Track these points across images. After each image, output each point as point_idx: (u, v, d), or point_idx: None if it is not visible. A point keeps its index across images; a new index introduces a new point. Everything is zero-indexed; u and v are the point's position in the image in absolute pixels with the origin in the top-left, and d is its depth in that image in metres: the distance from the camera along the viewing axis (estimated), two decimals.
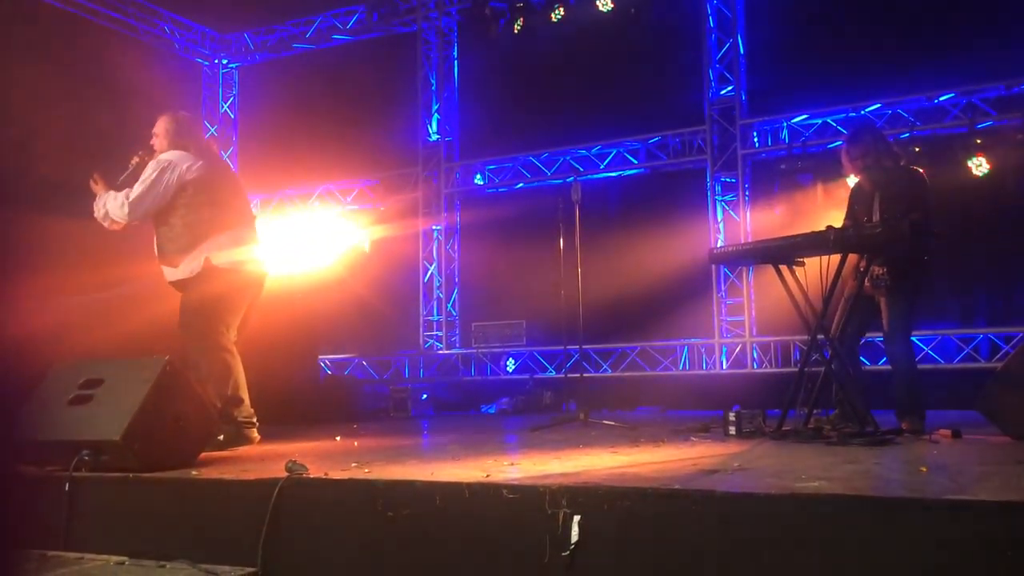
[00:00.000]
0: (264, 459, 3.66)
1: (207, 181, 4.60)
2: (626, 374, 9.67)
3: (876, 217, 4.62)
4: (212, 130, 12.76)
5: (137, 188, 4.52)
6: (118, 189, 4.62)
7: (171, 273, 4.60)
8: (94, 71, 9.74)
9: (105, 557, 2.78)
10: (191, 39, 12.37)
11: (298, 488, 2.69)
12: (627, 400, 8.82)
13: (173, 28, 12.00)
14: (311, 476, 2.76)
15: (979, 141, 7.84)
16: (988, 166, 7.76)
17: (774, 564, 2.01)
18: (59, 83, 7.87)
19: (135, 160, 4.68)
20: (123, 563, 2.73)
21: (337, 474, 2.83)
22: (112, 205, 4.57)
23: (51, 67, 7.64)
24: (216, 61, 12.79)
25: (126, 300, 6.58)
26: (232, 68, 12.91)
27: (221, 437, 4.20)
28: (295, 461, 2.84)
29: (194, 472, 3.13)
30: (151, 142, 4.75)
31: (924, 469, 2.71)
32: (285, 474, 2.74)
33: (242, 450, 4.25)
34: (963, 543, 1.85)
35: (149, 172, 4.53)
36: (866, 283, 4.58)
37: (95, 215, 4.71)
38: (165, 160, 4.55)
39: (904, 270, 4.50)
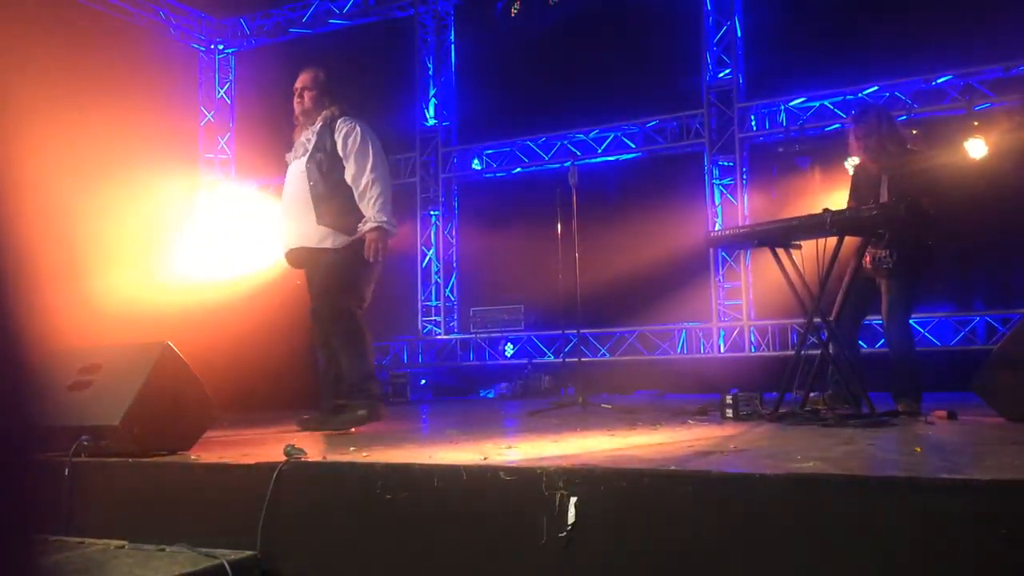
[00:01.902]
0: (263, 443, 3.67)
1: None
2: (624, 358, 9.70)
3: (884, 199, 4.61)
4: (209, 116, 12.73)
5: (364, 163, 4.31)
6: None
7: (334, 238, 4.32)
8: (89, 55, 9.70)
9: (105, 541, 2.80)
10: (187, 24, 12.32)
11: (297, 472, 2.71)
12: (625, 384, 8.85)
13: (169, 13, 11.95)
14: (309, 460, 2.77)
15: (977, 123, 7.83)
16: (986, 148, 7.75)
17: (770, 544, 2.02)
18: (51, 67, 7.84)
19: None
20: (123, 547, 2.74)
21: (335, 458, 2.84)
22: (375, 207, 4.29)
23: (43, 50, 7.60)
24: (212, 46, 12.74)
25: (127, 288, 6.60)
26: (228, 53, 12.86)
27: (363, 412, 4.17)
28: (294, 445, 2.85)
29: (193, 456, 3.15)
30: (299, 100, 4.52)
31: (919, 450, 2.73)
32: (284, 458, 2.75)
33: (241, 434, 4.27)
34: (957, 522, 1.87)
35: (359, 142, 4.34)
36: (868, 265, 4.59)
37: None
38: (363, 127, 4.40)
39: (908, 254, 4.51)
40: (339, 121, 4.44)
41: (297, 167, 4.49)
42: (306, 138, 4.51)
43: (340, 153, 4.37)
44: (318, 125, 4.48)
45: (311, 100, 4.50)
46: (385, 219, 4.30)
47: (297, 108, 4.55)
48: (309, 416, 4.47)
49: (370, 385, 4.31)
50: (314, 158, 4.40)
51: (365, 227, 4.30)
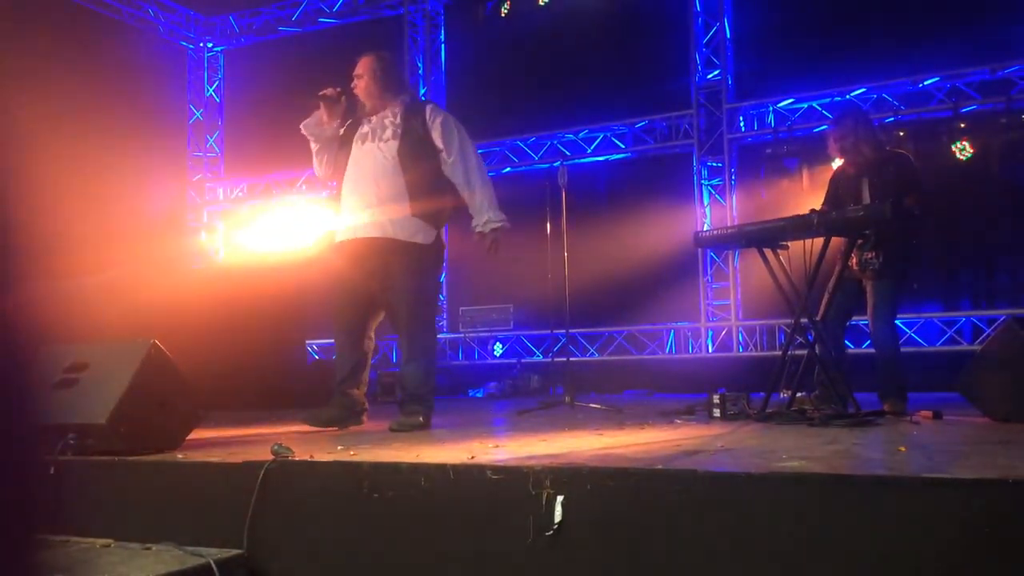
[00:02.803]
0: (250, 442, 3.66)
1: None
2: (613, 358, 9.71)
3: (865, 201, 4.65)
4: (198, 114, 12.69)
5: (470, 157, 4.21)
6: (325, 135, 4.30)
7: (415, 231, 4.16)
8: (76, 53, 9.66)
9: (91, 540, 2.79)
10: (176, 21, 12.27)
11: (284, 471, 2.71)
12: (614, 384, 8.87)
13: (157, 11, 11.90)
14: (297, 459, 2.77)
15: (963, 125, 7.88)
16: (972, 150, 7.81)
17: (755, 542, 2.04)
18: (40, 66, 7.80)
19: (339, 93, 4.29)
20: (109, 546, 2.74)
21: (323, 457, 2.84)
22: (492, 206, 4.24)
23: (29, 49, 7.57)
24: (201, 44, 12.70)
25: (116, 284, 6.57)
26: (217, 51, 12.82)
27: (422, 419, 4.05)
28: (281, 444, 2.85)
29: (180, 455, 3.14)
30: (364, 81, 4.30)
31: (903, 449, 2.75)
32: (271, 457, 2.75)
33: (228, 433, 4.26)
34: (940, 520, 1.88)
35: (461, 136, 4.24)
36: (854, 266, 4.62)
37: (327, 126, 4.32)
38: (455, 119, 4.28)
39: (893, 254, 4.54)
40: (429, 108, 4.28)
41: (380, 150, 4.21)
42: (388, 120, 4.26)
43: (438, 143, 4.21)
44: (399, 109, 4.27)
45: (381, 82, 4.28)
46: (505, 217, 4.28)
47: (362, 91, 4.31)
48: (315, 411, 4.30)
49: (432, 398, 4.23)
50: (406, 143, 4.18)
51: (486, 226, 4.24)
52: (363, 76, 4.30)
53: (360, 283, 4.24)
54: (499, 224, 4.26)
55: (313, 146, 4.46)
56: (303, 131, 4.41)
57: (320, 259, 4.72)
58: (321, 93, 4.31)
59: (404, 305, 4.16)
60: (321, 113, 4.37)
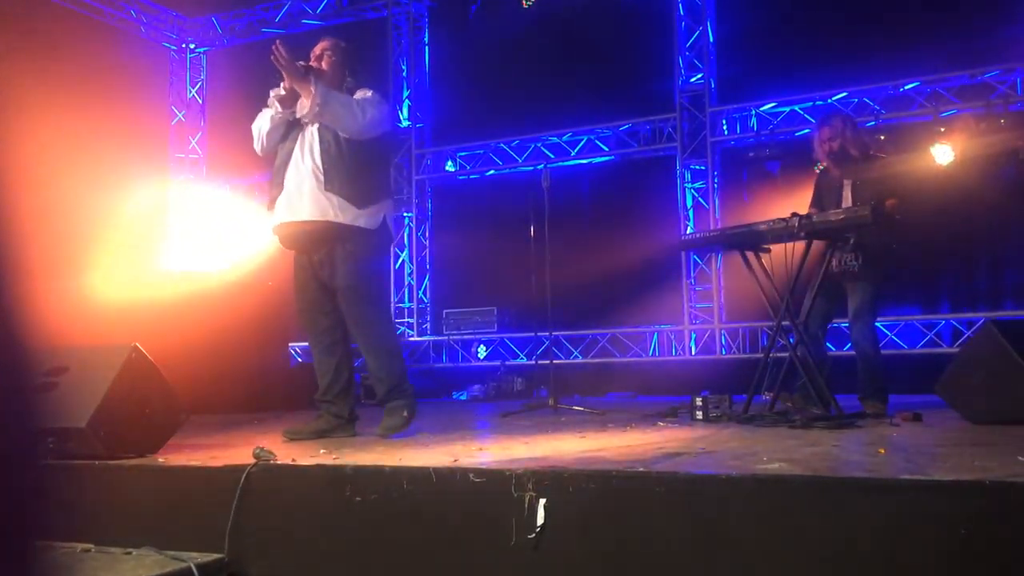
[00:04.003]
0: (232, 446, 3.65)
1: (394, 139, 4.14)
2: (597, 360, 9.72)
3: (848, 204, 4.68)
4: (180, 115, 12.61)
5: (372, 106, 3.94)
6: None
7: (342, 213, 3.89)
8: (56, 54, 9.59)
9: (71, 544, 2.77)
10: (158, 22, 12.20)
11: (266, 474, 2.70)
12: (598, 386, 8.89)
13: (140, 11, 11.82)
14: (279, 462, 2.76)
15: (943, 129, 7.94)
16: (951, 154, 7.88)
17: (736, 543, 2.05)
18: (20, 65, 7.74)
19: (302, 64, 3.97)
20: (89, 550, 2.72)
21: (305, 460, 2.83)
22: (348, 103, 3.88)
23: (6, 49, 7.51)
24: (183, 45, 12.63)
25: (97, 286, 6.53)
26: (200, 52, 12.75)
27: (406, 413, 3.89)
28: (263, 448, 2.84)
29: (161, 459, 3.13)
30: (317, 63, 4.08)
31: (882, 451, 2.77)
32: (253, 460, 2.74)
33: (209, 437, 4.23)
34: (918, 521, 1.90)
35: (374, 98, 4.00)
36: (834, 269, 4.65)
37: (280, 113, 4.03)
38: (382, 97, 4.07)
39: (873, 257, 4.58)
40: (362, 90, 4.13)
41: (314, 132, 4.02)
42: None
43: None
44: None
45: (330, 65, 4.12)
46: (321, 103, 3.90)
47: (328, 66, 4.13)
48: (298, 427, 4.08)
49: (407, 384, 4.03)
50: (329, 129, 3.98)
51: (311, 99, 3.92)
52: (319, 56, 4.13)
53: (310, 277, 4.05)
54: (314, 102, 3.89)
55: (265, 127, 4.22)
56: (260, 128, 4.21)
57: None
58: (274, 94, 4.13)
59: (347, 293, 3.95)
60: (274, 108, 4.17)
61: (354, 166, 3.93)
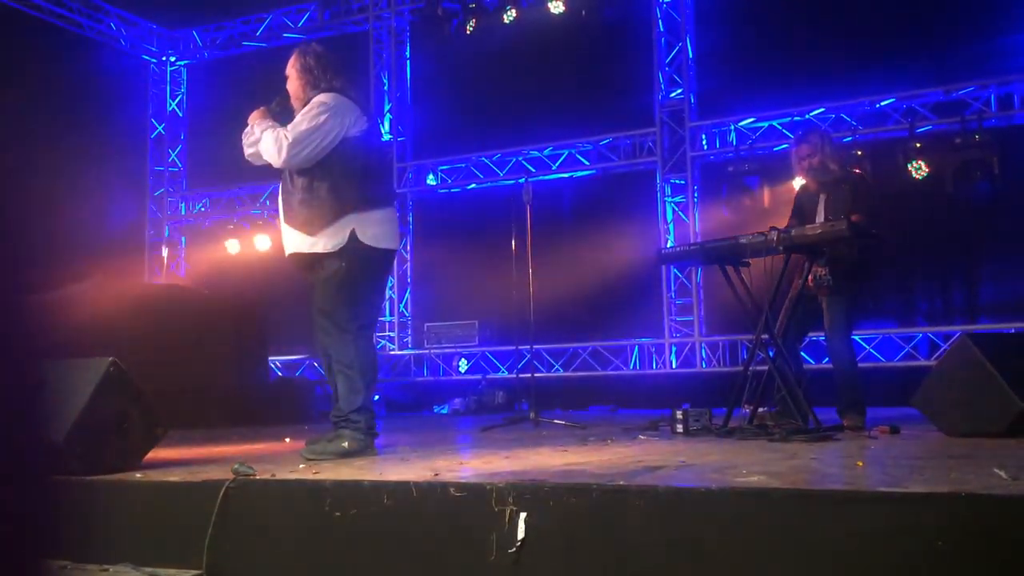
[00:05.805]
0: (210, 461, 3.62)
1: (366, 143, 3.84)
2: (578, 374, 9.74)
3: (821, 218, 4.73)
4: (160, 128, 12.56)
5: (301, 126, 3.69)
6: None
7: (302, 243, 3.76)
8: (37, 66, 9.54)
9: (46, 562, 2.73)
10: (138, 35, 12.16)
11: (244, 490, 2.68)
12: (579, 399, 8.91)
13: (119, 24, 11.78)
14: (258, 478, 2.75)
15: (919, 145, 8.04)
16: (927, 169, 7.97)
17: (715, 556, 2.06)
18: None
19: (276, 102, 3.91)
20: (65, 567, 2.68)
21: (284, 475, 2.82)
22: (267, 141, 3.73)
23: None
24: (164, 59, 12.59)
25: (75, 300, 6.47)
26: (180, 66, 12.72)
27: (346, 444, 3.62)
28: (242, 463, 2.82)
29: (139, 474, 3.10)
30: (287, 85, 3.95)
31: (860, 464, 2.80)
32: (231, 476, 2.72)
33: (189, 452, 4.20)
34: (895, 533, 1.92)
35: (314, 111, 3.71)
36: (809, 283, 4.69)
37: (244, 146, 3.93)
38: (332, 103, 3.75)
39: (846, 271, 4.62)
40: (319, 95, 3.83)
41: None
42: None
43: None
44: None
45: (294, 78, 3.96)
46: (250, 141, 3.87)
47: (291, 91, 4.02)
48: (318, 443, 3.81)
49: (361, 421, 3.72)
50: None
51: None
52: (293, 65, 4.01)
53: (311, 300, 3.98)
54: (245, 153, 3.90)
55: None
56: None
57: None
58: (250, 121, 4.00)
59: (315, 319, 3.83)
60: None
61: (303, 194, 3.77)
